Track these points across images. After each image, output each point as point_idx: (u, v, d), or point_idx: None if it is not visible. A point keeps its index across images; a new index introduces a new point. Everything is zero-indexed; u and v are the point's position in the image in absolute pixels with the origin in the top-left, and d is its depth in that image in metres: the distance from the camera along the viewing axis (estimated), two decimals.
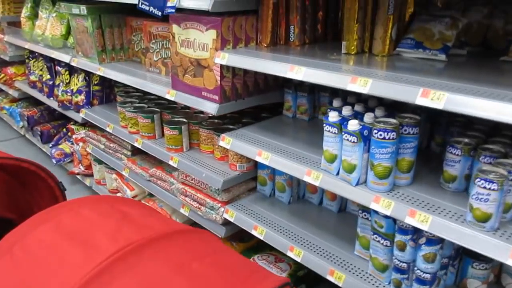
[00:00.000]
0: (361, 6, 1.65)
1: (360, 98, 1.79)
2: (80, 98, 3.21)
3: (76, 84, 3.25)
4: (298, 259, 1.82)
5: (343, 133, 1.48)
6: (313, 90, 2.14)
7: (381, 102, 1.74)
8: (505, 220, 1.27)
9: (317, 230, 1.95)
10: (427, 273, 1.42)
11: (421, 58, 1.63)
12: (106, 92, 3.30)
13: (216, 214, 2.20)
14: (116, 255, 0.61)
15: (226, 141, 1.96)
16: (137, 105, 2.72)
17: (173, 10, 1.88)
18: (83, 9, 2.66)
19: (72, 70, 3.33)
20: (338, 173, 1.57)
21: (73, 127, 3.65)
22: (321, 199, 2.15)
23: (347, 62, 1.61)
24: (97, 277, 0.59)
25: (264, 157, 1.80)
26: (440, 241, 1.38)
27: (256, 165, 2.22)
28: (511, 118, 1.07)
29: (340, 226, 1.99)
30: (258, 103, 2.15)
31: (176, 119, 2.45)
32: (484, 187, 1.19)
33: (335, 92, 2.11)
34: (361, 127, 1.43)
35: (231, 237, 2.38)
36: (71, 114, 3.37)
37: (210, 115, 2.53)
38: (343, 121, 1.51)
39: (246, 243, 2.40)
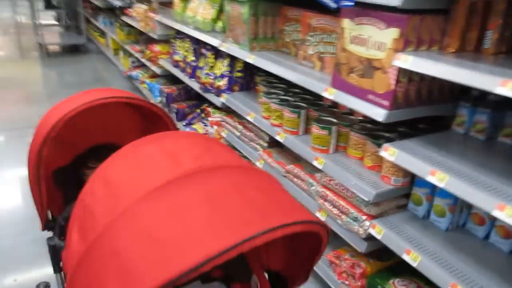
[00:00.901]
0: None
1: None
2: (223, 82, 3.25)
3: (220, 69, 3.30)
4: (414, 264, 1.58)
5: None
6: (497, 107, 1.83)
7: None
8: None
9: (484, 270, 1.68)
10: None
11: None
12: (247, 79, 3.30)
13: (359, 226, 2.04)
14: (192, 171, 0.87)
15: (390, 152, 1.77)
16: (283, 97, 2.64)
17: (352, 3, 1.72)
18: None
19: (217, 55, 3.38)
20: None
21: (209, 109, 3.74)
22: (488, 233, 1.86)
23: None
24: (176, 182, 0.84)
25: (439, 178, 1.58)
26: None
27: (412, 181, 2.00)
28: None
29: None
30: (428, 114, 1.91)
31: (326, 118, 2.32)
32: None
33: None
34: None
35: (368, 255, 2.20)
36: (210, 97, 3.44)
37: (361, 118, 2.36)
38: None
39: (384, 262, 2.20)
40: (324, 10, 2.01)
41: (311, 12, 2.34)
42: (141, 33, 5.44)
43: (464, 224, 1.95)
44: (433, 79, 1.82)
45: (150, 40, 5.04)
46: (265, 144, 2.91)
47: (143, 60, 5.23)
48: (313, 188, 2.36)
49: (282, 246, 1.14)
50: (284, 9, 2.69)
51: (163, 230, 0.75)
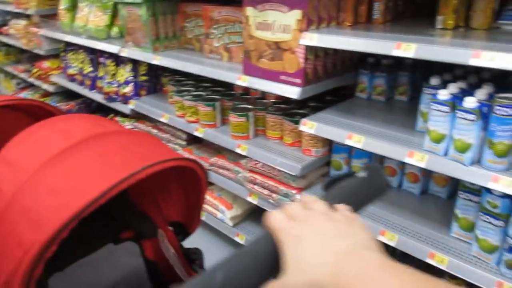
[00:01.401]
0: None
1: (455, 75, 1.73)
2: (128, 89, 3.17)
3: (123, 75, 3.21)
4: (393, 244, 1.78)
5: (457, 111, 1.42)
6: (391, 70, 2.08)
7: (480, 78, 1.68)
8: None
9: (404, 213, 1.90)
10: None
11: None
12: (153, 82, 3.25)
13: (290, 201, 2.16)
14: (83, 138, 1.00)
15: (309, 125, 1.91)
16: (195, 93, 2.67)
17: None
18: None
19: (118, 61, 3.28)
20: (446, 154, 1.52)
21: (117, 118, 3.61)
22: (400, 181, 2.10)
23: (454, 36, 1.55)
24: (70, 148, 0.97)
25: (356, 140, 1.75)
26: None
27: (330, 149, 2.18)
28: None
29: (426, 208, 1.95)
30: (335, 85, 2.09)
31: (241, 106, 2.40)
32: None
33: (414, 71, 2.05)
34: (479, 104, 1.38)
35: None
36: (116, 105, 3.33)
37: (273, 100, 2.49)
38: (455, 99, 1.45)
39: None
40: (225, 1, 2.08)
41: (211, 6, 2.39)
42: (22, 51, 5.02)
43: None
44: (336, 53, 2.00)
45: (35, 58, 4.68)
46: (184, 143, 2.92)
47: (31, 80, 4.83)
48: (240, 175, 2.43)
49: (176, 197, 1.29)
50: (182, 6, 2.71)
51: (62, 183, 0.90)
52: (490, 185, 1.41)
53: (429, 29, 1.67)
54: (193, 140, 2.91)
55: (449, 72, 1.77)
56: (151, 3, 2.63)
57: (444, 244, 1.69)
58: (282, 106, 2.37)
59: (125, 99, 3.20)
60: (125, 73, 3.19)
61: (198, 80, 2.89)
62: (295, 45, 1.83)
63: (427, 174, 2.01)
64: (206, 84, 2.83)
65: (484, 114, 1.37)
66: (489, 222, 1.51)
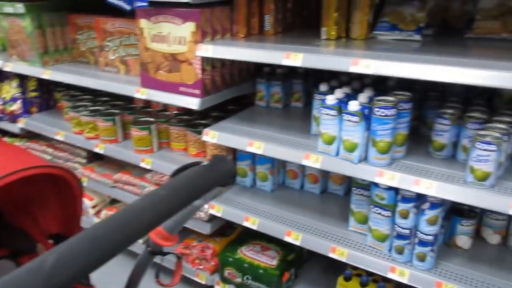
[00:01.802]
0: None
1: (341, 81, 1.88)
2: (16, 106, 2.92)
3: (9, 92, 2.94)
4: (298, 243, 1.87)
5: (343, 114, 1.55)
6: (286, 79, 2.19)
7: (362, 83, 1.85)
8: (498, 177, 1.44)
9: (307, 213, 2.01)
10: (430, 235, 1.55)
11: (398, 39, 1.75)
12: (45, 98, 3.04)
13: (200, 211, 2.17)
14: None
15: (211, 135, 1.93)
16: (92, 108, 2.55)
17: (145, 4, 1.80)
18: (19, 8, 2.41)
19: (1, 77, 3.01)
20: (337, 154, 1.64)
21: (5, 139, 3.30)
22: (302, 183, 2.22)
23: (337, 46, 1.68)
24: None
25: (256, 147, 1.81)
26: (442, 204, 1.52)
27: (235, 157, 2.22)
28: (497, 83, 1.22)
29: (326, 206, 2.08)
30: (234, 95, 2.15)
31: (142, 119, 2.35)
32: (485, 149, 1.33)
33: (306, 79, 2.19)
34: (361, 106, 1.51)
35: (213, 235, 2.35)
36: (4, 125, 3.05)
37: (176, 112, 2.47)
38: (341, 103, 1.58)
39: (229, 237, 2.39)
40: (118, 13, 2.03)
41: (104, 17, 2.31)
42: None
43: (283, 182, 2.28)
44: (232, 63, 2.05)
45: None
46: (84, 160, 2.76)
47: None
48: (146, 189, 2.37)
49: (53, 209, 1.25)
50: (72, 17, 2.58)
51: None
52: (377, 180, 1.55)
53: (315, 39, 1.80)
54: (94, 157, 2.77)
55: (336, 78, 1.92)
56: (35, 14, 2.46)
57: (344, 238, 1.82)
58: (185, 117, 2.37)
59: (13, 118, 2.94)
60: (11, 89, 2.93)
61: (95, 95, 2.76)
62: (192, 57, 1.85)
63: (325, 174, 2.15)
64: (105, 98, 2.71)
65: (366, 116, 1.51)
66: (379, 213, 1.67)
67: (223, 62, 1.98)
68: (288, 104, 2.26)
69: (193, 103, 1.91)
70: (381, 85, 1.85)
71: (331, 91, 1.71)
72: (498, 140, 1.33)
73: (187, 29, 1.81)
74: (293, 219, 1.97)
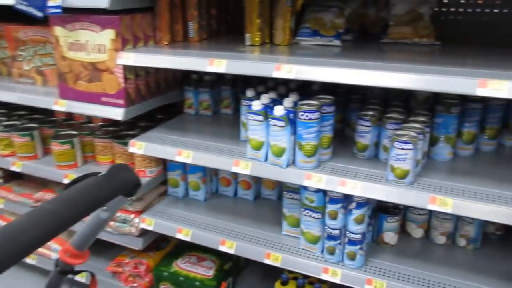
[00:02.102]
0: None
1: (268, 87, 1.90)
2: None
3: None
4: (232, 251, 1.84)
5: (269, 119, 1.55)
6: (214, 86, 2.17)
7: (288, 88, 1.87)
8: (416, 174, 1.51)
9: (241, 220, 2.00)
10: (358, 233, 1.59)
11: (319, 44, 1.80)
12: None
13: (130, 226, 2.07)
14: None
15: (138, 146, 1.86)
16: (7, 123, 2.36)
17: (59, 10, 1.69)
18: None
19: None
20: (266, 159, 1.64)
21: None
22: (235, 190, 2.20)
23: (260, 52, 1.69)
24: None
25: (185, 156, 1.77)
26: (368, 203, 1.57)
27: (165, 168, 2.16)
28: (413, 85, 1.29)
29: (260, 212, 2.08)
30: (161, 104, 2.09)
31: (64, 132, 2.21)
32: (402, 148, 1.40)
33: (235, 85, 2.18)
34: (286, 111, 1.53)
35: (146, 249, 2.26)
36: None
37: (101, 124, 2.35)
38: (267, 108, 1.59)
39: (163, 250, 2.31)
40: (31, 20, 1.89)
41: (15, 25, 2.15)
42: None
43: (217, 190, 2.24)
44: (157, 71, 2.00)
45: None
46: (0, 180, 2.54)
47: None
48: None
49: None
50: None
51: None
52: (305, 183, 1.57)
53: (240, 46, 1.79)
54: (11, 176, 2.56)
55: (264, 84, 1.93)
56: None
57: (278, 243, 1.82)
58: (111, 128, 2.26)
59: None
60: None
61: (10, 109, 2.56)
62: (113, 65, 1.77)
63: (258, 180, 2.14)
64: (21, 112, 2.52)
65: (291, 120, 1.53)
66: (310, 216, 1.69)
67: (147, 70, 1.91)
68: (217, 111, 2.23)
69: (116, 113, 1.83)
70: (306, 89, 1.88)
71: (257, 96, 1.71)
72: (414, 139, 1.40)
73: (106, 36, 1.73)
74: (227, 227, 1.94)
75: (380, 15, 1.94)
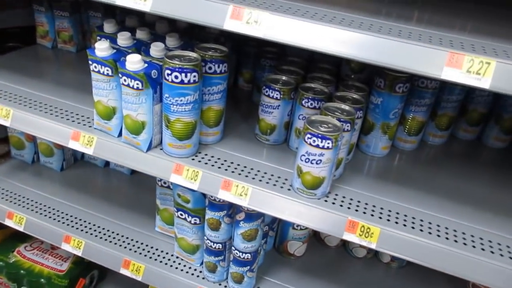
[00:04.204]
0: None
1: (144, 19, 1.27)
2: None
3: None
4: (79, 253, 1.31)
5: (120, 75, 0.96)
6: (79, 8, 1.50)
7: (174, 26, 1.26)
8: (334, 179, 1.02)
9: (104, 205, 1.45)
10: (246, 253, 1.11)
11: None
12: None
13: None
14: None
15: None
16: None
17: None
18: None
19: None
20: (120, 134, 1.07)
21: None
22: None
23: None
24: None
25: (2, 115, 1.15)
26: (262, 214, 1.07)
27: None
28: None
29: (135, 194, 1.54)
30: None
31: None
32: (317, 146, 0.88)
33: (109, 11, 1.52)
34: (146, 65, 0.94)
35: None
36: None
37: None
38: (119, 55, 0.99)
39: (5, 230, 1.72)
40: None
41: None
42: None
43: (83, 157, 1.66)
44: None
45: None
46: None
47: None
48: None
49: None
50: None
51: None
52: (173, 178, 1.03)
53: None
54: None
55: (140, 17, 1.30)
56: None
57: (145, 245, 1.32)
58: None
59: None
60: None
61: None
62: None
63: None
64: None
65: (153, 80, 0.95)
66: (184, 219, 1.17)
67: None
68: (86, 46, 1.58)
69: None
70: (199, 31, 1.29)
71: (119, 33, 1.09)
72: (336, 133, 0.88)
73: None
74: (81, 216, 1.40)
75: None
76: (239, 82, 1.45)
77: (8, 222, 1.39)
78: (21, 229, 1.37)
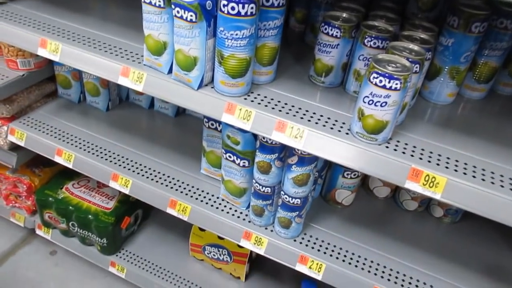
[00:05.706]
0: None
1: None
2: None
3: None
4: (126, 191, 1.32)
5: (172, 6, 0.91)
6: None
7: None
8: (396, 124, 0.95)
9: (150, 146, 1.45)
10: (296, 198, 1.08)
11: None
12: None
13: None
14: None
15: None
16: None
17: None
18: None
19: None
20: (170, 71, 1.03)
21: None
22: (151, 100, 1.61)
23: None
24: None
25: (51, 49, 1.13)
26: (316, 158, 1.03)
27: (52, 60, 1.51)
28: None
29: (179, 136, 1.53)
30: None
31: None
32: (383, 86, 0.81)
33: None
34: None
35: (31, 163, 1.71)
36: None
37: None
38: None
39: (54, 167, 1.77)
40: None
41: None
42: None
43: (128, 98, 1.65)
44: None
45: None
46: None
47: None
48: None
49: None
50: None
51: None
52: (225, 118, 0.99)
53: None
54: None
55: None
56: None
57: (191, 186, 1.31)
58: None
59: None
60: None
61: None
62: None
63: None
64: None
65: (208, 12, 0.89)
66: (233, 161, 1.15)
67: None
68: None
69: None
70: None
71: None
72: (405, 73, 0.81)
73: None
74: (125, 154, 1.41)
75: None
76: (291, 22, 1.36)
77: (58, 159, 1.41)
78: (70, 166, 1.40)
